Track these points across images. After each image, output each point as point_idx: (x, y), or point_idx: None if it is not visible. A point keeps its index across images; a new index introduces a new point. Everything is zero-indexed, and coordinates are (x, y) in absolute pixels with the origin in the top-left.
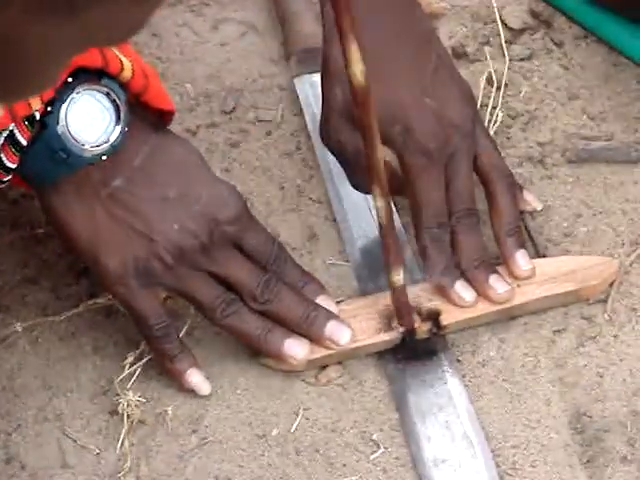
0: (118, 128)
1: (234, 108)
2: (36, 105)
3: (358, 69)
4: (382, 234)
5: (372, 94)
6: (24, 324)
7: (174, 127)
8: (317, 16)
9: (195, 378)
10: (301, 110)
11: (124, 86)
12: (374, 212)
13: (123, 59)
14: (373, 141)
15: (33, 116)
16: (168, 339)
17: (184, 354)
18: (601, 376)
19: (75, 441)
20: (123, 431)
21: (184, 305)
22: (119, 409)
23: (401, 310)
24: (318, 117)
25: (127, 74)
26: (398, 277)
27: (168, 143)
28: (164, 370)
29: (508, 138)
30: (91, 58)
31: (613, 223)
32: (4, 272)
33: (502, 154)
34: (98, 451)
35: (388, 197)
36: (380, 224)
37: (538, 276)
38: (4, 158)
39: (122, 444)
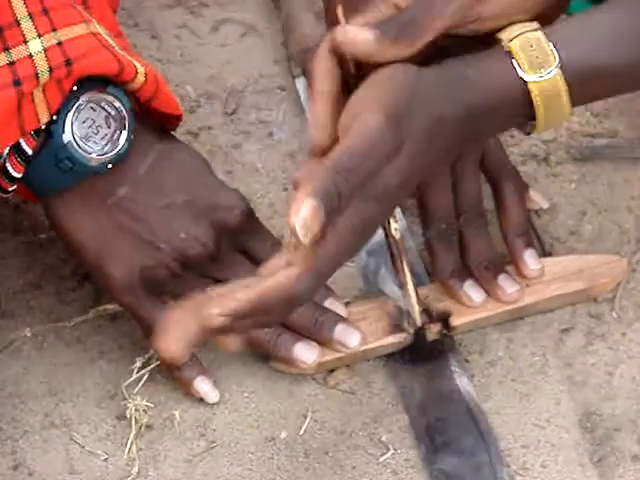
0: (123, 136)
1: (235, 109)
2: (44, 119)
3: None
4: None
5: None
6: (33, 330)
7: (176, 129)
8: (317, 16)
9: (203, 386)
10: (303, 111)
11: (135, 92)
12: None
13: (137, 64)
14: None
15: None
16: None
17: (192, 362)
18: (610, 374)
19: (82, 447)
20: (131, 436)
21: None
22: (127, 414)
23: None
24: None
25: (141, 78)
26: (396, 226)
27: (173, 150)
28: (172, 378)
29: (512, 136)
30: (108, 64)
31: (619, 220)
32: (7, 277)
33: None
34: (106, 456)
35: None
36: None
37: (547, 275)
38: (10, 167)
39: (130, 449)
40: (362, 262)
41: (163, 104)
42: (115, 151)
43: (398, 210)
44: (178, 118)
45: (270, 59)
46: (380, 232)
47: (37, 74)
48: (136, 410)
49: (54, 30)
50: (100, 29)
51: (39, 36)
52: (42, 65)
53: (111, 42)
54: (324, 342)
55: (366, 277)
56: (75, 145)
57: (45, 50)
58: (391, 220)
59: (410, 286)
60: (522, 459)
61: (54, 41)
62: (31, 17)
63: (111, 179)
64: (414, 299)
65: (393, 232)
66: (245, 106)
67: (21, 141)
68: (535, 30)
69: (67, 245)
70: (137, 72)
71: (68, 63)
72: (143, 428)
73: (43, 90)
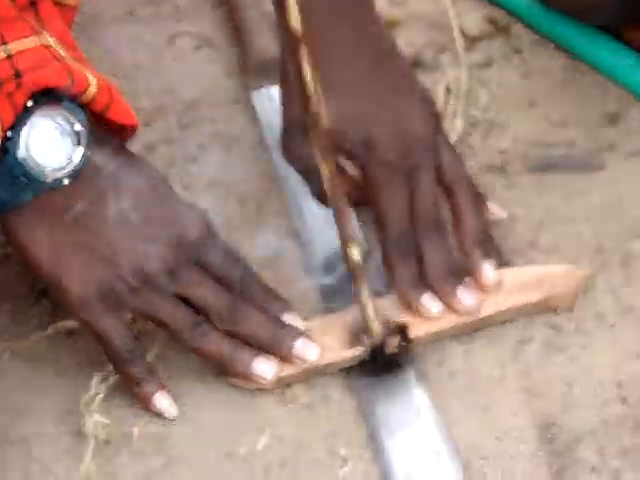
0: (79, 152)
1: (191, 122)
2: None
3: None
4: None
5: (331, 107)
6: None
7: (131, 143)
8: (273, 28)
9: (162, 402)
10: (259, 123)
11: (89, 104)
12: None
13: (88, 75)
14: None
15: None
16: (135, 363)
17: (151, 378)
18: (569, 385)
19: (41, 463)
20: (89, 452)
21: (153, 327)
22: (84, 430)
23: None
24: (276, 130)
25: (92, 90)
26: (355, 252)
27: (130, 165)
28: (131, 393)
29: (469, 147)
30: (58, 76)
31: (577, 231)
32: None
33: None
34: (64, 473)
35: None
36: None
37: (505, 286)
38: None
39: (88, 465)
40: (320, 276)
41: (118, 115)
42: (71, 167)
43: (358, 229)
44: (134, 129)
45: (225, 72)
46: (337, 246)
47: None
48: (94, 426)
49: (4, 43)
50: (51, 41)
51: None
52: None
53: (62, 53)
54: (283, 357)
55: (323, 291)
56: (30, 161)
57: None
58: (352, 245)
59: (368, 300)
60: (481, 471)
61: (4, 54)
62: None
63: (68, 194)
64: (372, 312)
65: (354, 257)
66: (201, 119)
67: None
68: None
69: (24, 261)
70: (89, 83)
71: (18, 75)
72: (101, 444)
73: None
